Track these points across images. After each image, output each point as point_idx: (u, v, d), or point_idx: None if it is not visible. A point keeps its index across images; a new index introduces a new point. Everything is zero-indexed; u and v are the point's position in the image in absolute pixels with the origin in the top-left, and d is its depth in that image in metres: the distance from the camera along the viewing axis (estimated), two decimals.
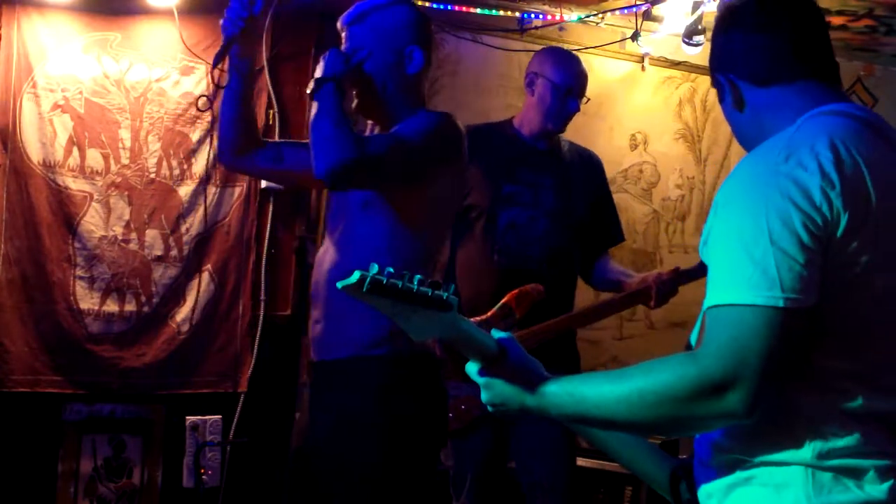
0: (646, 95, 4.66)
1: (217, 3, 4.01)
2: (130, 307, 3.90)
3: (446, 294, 1.32)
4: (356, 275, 1.27)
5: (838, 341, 1.36)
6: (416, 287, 1.30)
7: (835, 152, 1.36)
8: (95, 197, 3.86)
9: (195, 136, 3.99)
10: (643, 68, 4.65)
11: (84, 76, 3.86)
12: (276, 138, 3.96)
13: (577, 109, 3.34)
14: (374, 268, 1.29)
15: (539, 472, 3.25)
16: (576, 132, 4.60)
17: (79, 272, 3.84)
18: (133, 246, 3.91)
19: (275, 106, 4.05)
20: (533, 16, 4.31)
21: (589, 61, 4.63)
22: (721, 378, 1.30)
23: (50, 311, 3.80)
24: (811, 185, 1.33)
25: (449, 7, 4.12)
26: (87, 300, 3.84)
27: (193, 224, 3.99)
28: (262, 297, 4.07)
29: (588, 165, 3.47)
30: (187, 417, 3.99)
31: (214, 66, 2.48)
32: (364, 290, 1.28)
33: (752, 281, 1.31)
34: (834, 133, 1.39)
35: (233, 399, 4.03)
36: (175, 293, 3.96)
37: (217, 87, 2.63)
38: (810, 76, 1.55)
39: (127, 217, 3.91)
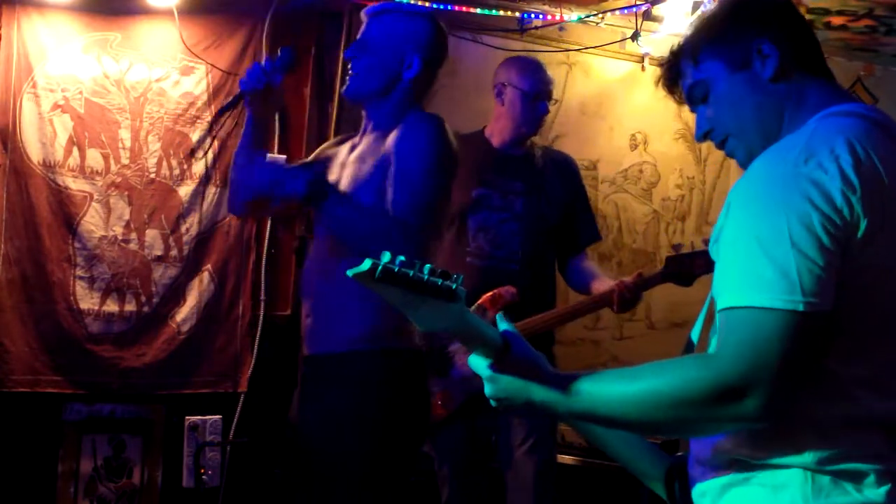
0: (646, 95, 4.66)
1: (217, 3, 4.04)
2: (130, 307, 3.90)
3: (455, 284, 1.30)
4: (367, 262, 1.24)
5: (849, 344, 1.35)
6: (426, 276, 1.27)
7: (854, 155, 1.35)
8: (95, 197, 3.86)
9: (195, 136, 3.99)
10: (643, 68, 4.65)
11: (84, 76, 3.86)
12: (277, 138, 3.97)
13: (547, 111, 3.46)
14: (386, 256, 1.26)
15: (516, 465, 3.32)
16: (576, 132, 4.63)
17: (79, 272, 3.84)
18: (133, 246, 3.91)
19: None
20: (533, 16, 4.31)
21: (589, 61, 4.64)
22: (738, 382, 1.28)
23: (50, 311, 3.79)
24: (832, 187, 1.32)
25: (449, 7, 4.12)
26: (87, 300, 3.84)
27: (193, 224, 3.99)
28: (262, 297, 4.07)
29: (562, 169, 3.55)
30: (187, 417, 3.99)
31: (221, 113, 2.65)
32: (375, 278, 1.25)
33: (771, 284, 1.29)
34: (851, 135, 1.38)
35: (233, 399, 4.03)
36: (175, 293, 3.96)
37: (219, 116, 2.74)
38: (825, 74, 1.55)
39: (127, 217, 3.90)
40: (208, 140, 3.89)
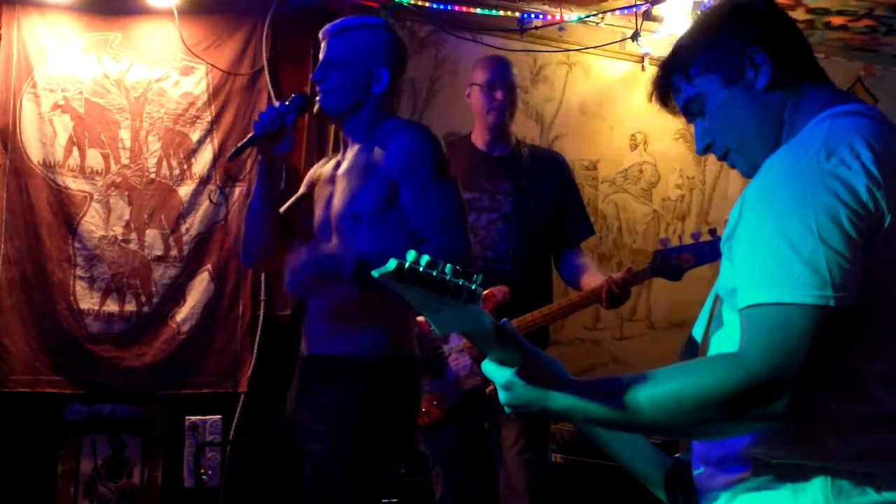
0: (646, 95, 4.65)
1: (217, 3, 4.04)
2: (130, 307, 3.90)
3: (474, 285, 1.28)
4: (392, 262, 1.23)
5: (869, 341, 1.34)
6: (449, 276, 1.26)
7: (874, 152, 1.34)
8: (95, 197, 3.86)
9: (195, 136, 3.99)
10: (643, 68, 4.65)
11: (84, 76, 3.86)
12: None
13: (505, 99, 3.48)
14: (412, 255, 1.25)
15: (509, 463, 3.33)
16: (576, 132, 4.63)
17: (79, 272, 3.84)
18: (133, 246, 3.91)
19: None
20: (533, 16, 4.31)
21: (589, 61, 4.64)
22: (769, 380, 1.25)
23: (50, 311, 3.80)
24: (857, 182, 1.31)
25: (449, 7, 4.12)
26: (87, 300, 3.84)
27: (193, 224, 3.99)
28: (262, 297, 4.07)
29: (550, 168, 3.57)
30: (187, 417, 3.99)
31: (231, 158, 2.71)
32: (400, 278, 1.24)
33: (801, 279, 1.27)
34: (866, 133, 1.38)
35: (233, 399, 4.03)
36: (175, 293, 3.96)
37: (228, 176, 2.75)
38: (819, 76, 1.54)
39: (127, 217, 3.90)
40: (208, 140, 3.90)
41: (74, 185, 3.84)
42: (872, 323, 1.33)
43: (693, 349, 1.55)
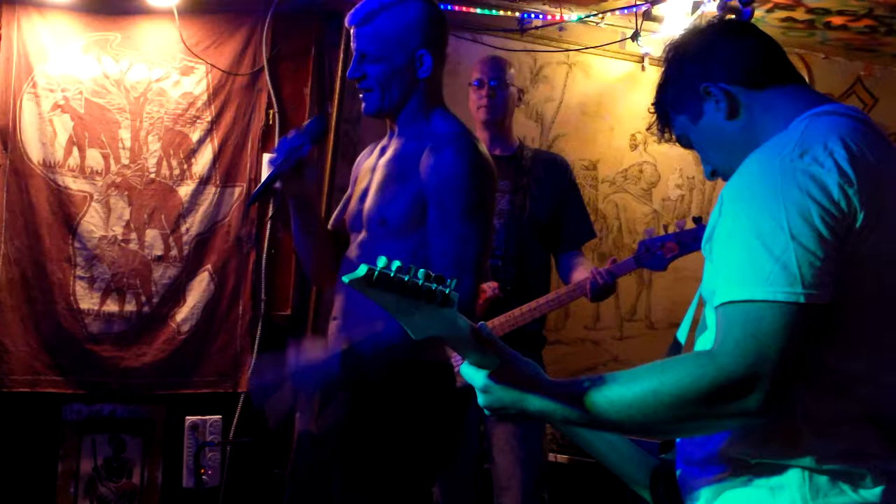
0: (646, 95, 4.61)
1: (217, 3, 4.04)
2: (130, 307, 3.90)
3: (448, 289, 1.29)
4: (363, 268, 1.24)
5: (846, 339, 1.35)
6: (421, 281, 1.27)
7: (848, 150, 1.35)
8: (95, 197, 3.86)
9: (195, 136, 3.99)
10: (643, 68, 4.65)
11: (84, 76, 3.86)
12: (276, 138, 3.97)
13: (491, 92, 3.50)
14: (382, 261, 1.25)
15: (503, 462, 3.33)
16: (576, 132, 4.63)
17: (79, 272, 3.84)
18: (133, 246, 3.91)
19: (275, 106, 4.05)
20: (533, 16, 4.31)
21: (589, 61, 4.64)
22: (742, 377, 1.27)
23: (50, 311, 3.80)
24: (829, 181, 1.32)
25: (449, 7, 4.12)
26: (87, 300, 3.84)
27: (193, 224, 3.99)
28: (262, 297, 4.07)
29: (551, 170, 3.58)
30: (187, 417, 3.99)
31: (252, 202, 2.51)
32: (371, 283, 1.24)
33: (771, 277, 1.28)
34: (843, 132, 1.39)
35: (233, 399, 4.03)
36: (175, 293, 3.96)
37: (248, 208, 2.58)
38: (797, 80, 1.56)
39: (127, 217, 3.90)
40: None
41: (74, 185, 3.84)
42: (849, 321, 1.34)
43: (678, 352, 1.56)
